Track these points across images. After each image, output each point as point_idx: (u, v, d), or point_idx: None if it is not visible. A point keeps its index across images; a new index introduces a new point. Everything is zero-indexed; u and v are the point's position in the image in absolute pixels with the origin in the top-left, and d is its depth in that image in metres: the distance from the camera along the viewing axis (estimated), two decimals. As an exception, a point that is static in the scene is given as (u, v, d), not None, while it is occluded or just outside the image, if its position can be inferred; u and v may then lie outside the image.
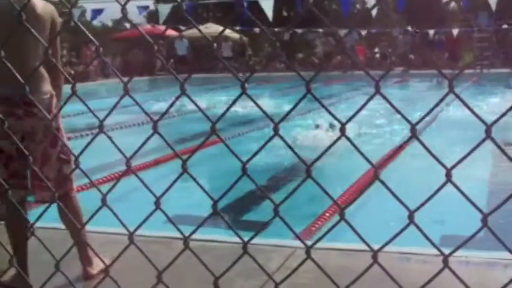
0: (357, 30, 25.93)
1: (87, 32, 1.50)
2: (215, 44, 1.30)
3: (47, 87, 3.73)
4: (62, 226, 4.73)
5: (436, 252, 4.24)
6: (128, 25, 28.47)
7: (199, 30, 1.38)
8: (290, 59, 31.71)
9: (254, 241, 1.36)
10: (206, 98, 16.09)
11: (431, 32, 26.69)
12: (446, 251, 3.96)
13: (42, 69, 3.71)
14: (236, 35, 31.27)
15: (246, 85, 1.17)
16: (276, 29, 25.55)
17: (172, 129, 11.88)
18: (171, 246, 4.39)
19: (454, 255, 1.20)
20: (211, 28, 28.69)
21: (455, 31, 27.44)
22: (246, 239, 1.40)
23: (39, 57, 3.65)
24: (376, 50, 30.66)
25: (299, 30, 28.91)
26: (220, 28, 29.90)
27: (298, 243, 4.68)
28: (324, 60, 29.12)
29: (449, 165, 1.09)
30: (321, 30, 29.45)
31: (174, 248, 4.31)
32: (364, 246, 3.98)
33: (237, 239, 4.33)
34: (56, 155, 3.79)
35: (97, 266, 4.01)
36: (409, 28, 27.23)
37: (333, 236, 1.32)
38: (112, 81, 26.25)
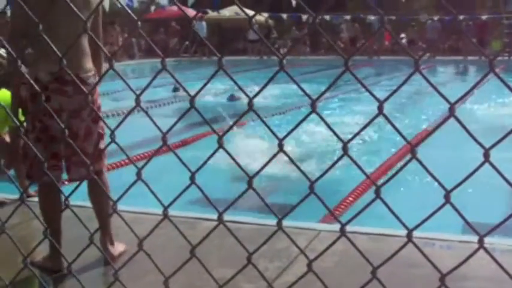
0: (385, 15, 25.63)
1: (129, 11, 1.50)
2: (251, 28, 1.29)
3: (91, 64, 3.77)
4: (85, 204, 4.79)
5: (460, 238, 4.22)
6: (153, 7, 28.45)
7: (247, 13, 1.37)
8: (315, 43, 31.52)
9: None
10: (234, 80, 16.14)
11: (459, 17, 26.34)
12: (471, 238, 3.92)
13: (87, 48, 3.75)
14: (262, 18, 31.16)
15: (284, 61, 1.17)
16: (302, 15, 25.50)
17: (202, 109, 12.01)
18: (195, 227, 4.43)
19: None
20: (239, 11, 28.60)
21: (483, 17, 27.09)
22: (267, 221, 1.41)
23: (86, 36, 3.68)
24: (403, 35, 30.31)
25: (326, 16, 28.74)
26: (248, 11, 29.89)
27: (322, 225, 4.75)
28: (349, 45, 28.89)
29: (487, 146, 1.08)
30: (347, 16, 29.29)
31: (198, 229, 4.38)
32: (390, 231, 3.98)
33: (260, 221, 4.35)
34: (97, 131, 3.83)
35: (118, 247, 4.01)
36: (437, 14, 26.97)
37: (358, 220, 1.32)
38: (137, 62, 26.36)
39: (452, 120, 1.10)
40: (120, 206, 1.59)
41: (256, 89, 1.23)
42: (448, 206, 1.13)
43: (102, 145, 3.88)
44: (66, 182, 4.19)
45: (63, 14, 3.38)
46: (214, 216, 1.39)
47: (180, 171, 1.50)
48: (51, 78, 3.53)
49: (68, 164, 3.78)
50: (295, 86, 1.28)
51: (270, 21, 32.50)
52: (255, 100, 1.25)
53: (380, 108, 1.07)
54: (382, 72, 22.00)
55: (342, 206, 5.93)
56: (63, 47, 1.65)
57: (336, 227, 5.15)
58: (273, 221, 1.34)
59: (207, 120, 1.34)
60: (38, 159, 3.56)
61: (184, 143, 8.79)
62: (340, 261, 3.70)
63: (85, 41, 3.67)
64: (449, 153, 8.01)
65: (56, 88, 3.54)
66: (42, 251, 3.78)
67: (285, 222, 1.33)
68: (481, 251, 1.14)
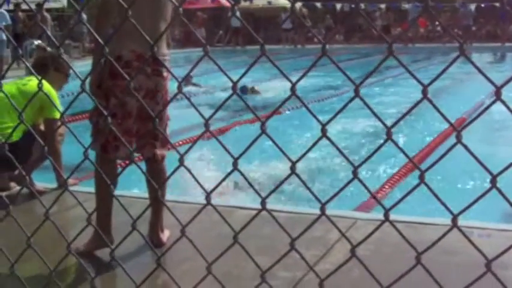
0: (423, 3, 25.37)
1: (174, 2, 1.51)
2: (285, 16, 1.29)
3: (166, 50, 3.94)
4: (125, 193, 4.85)
5: (499, 226, 4.16)
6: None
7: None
8: (349, 31, 31.32)
9: (313, 211, 1.36)
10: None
11: (495, 3, 25.92)
12: (511, 227, 3.87)
13: (165, 34, 3.86)
14: (296, 6, 31.04)
15: (327, 46, 1.17)
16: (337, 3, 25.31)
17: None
18: (231, 215, 4.44)
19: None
20: (272, 1, 28.63)
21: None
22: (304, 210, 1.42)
23: (166, 20, 3.80)
24: (437, 22, 29.94)
25: (362, 5, 28.53)
26: (281, 0, 29.82)
27: (359, 214, 4.74)
28: (383, 33, 28.63)
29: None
30: (382, 5, 29.04)
31: (234, 218, 4.40)
32: (427, 220, 3.95)
33: (297, 209, 4.34)
34: (166, 115, 3.93)
35: (166, 233, 4.08)
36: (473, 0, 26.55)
37: (395, 209, 1.31)
38: (171, 52, 26.46)
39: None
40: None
41: (293, 78, 1.23)
42: (490, 193, 1.12)
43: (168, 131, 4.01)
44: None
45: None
46: (251, 204, 1.40)
47: (218, 158, 1.51)
48: (134, 57, 3.66)
49: (143, 142, 3.85)
50: (329, 75, 1.28)
51: (304, 10, 32.39)
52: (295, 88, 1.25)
53: (424, 92, 1.07)
54: (417, 59, 21.75)
55: (379, 194, 5.92)
56: (147, 29, 1.68)
57: (373, 215, 5.14)
58: (308, 210, 1.34)
59: (249, 106, 1.34)
60: (113, 134, 3.63)
61: (221, 131, 8.84)
62: (376, 249, 3.68)
63: (164, 27, 3.76)
64: (491, 138, 7.92)
65: (137, 67, 3.63)
66: (84, 239, 3.81)
67: (319, 211, 1.33)
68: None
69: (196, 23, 31.45)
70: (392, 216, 3.91)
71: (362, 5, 28.62)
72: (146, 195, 4.19)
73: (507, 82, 1.07)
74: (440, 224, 4.05)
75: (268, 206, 1.41)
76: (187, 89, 13.05)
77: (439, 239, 1.17)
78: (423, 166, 1.20)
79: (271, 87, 13.16)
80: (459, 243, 1.20)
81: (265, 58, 1.27)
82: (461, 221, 3.81)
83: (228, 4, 28.69)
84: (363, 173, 6.66)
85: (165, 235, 4.05)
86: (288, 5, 30.29)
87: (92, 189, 3.92)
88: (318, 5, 29.12)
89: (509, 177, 1.37)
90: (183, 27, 30.92)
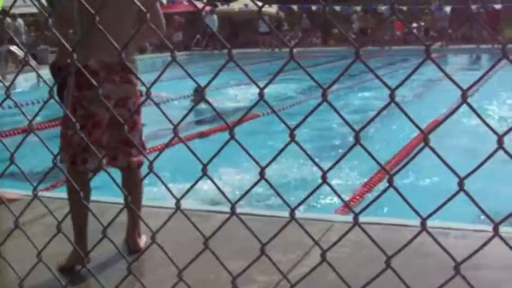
0: (396, 4, 25.55)
1: (140, 5, 1.49)
2: (262, 20, 1.29)
3: (135, 53, 3.91)
4: (100, 198, 4.80)
5: (474, 227, 4.19)
6: (164, 1, 28.43)
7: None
8: (326, 34, 31.44)
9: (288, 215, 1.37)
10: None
11: (471, 6, 26.15)
12: (486, 227, 3.91)
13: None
14: (273, 10, 31.10)
15: (294, 50, 1.16)
16: (313, 7, 25.40)
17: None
18: (208, 220, 4.42)
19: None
20: (249, 4, 28.62)
21: (497, 6, 26.84)
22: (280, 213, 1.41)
23: (133, 24, 3.71)
24: (414, 25, 30.17)
25: (337, 8, 28.66)
26: (258, 3, 29.86)
27: (336, 217, 4.75)
28: (360, 36, 28.78)
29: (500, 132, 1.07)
30: (358, 8, 29.13)
31: (211, 222, 4.38)
32: (403, 221, 3.97)
33: (272, 213, 4.35)
34: (140, 122, 3.88)
35: (144, 238, 4.05)
36: (449, 3, 26.78)
37: (371, 211, 1.31)
38: (148, 57, 26.41)
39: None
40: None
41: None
42: (462, 195, 1.12)
43: (143, 137, 3.96)
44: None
45: (113, 5, 3.44)
46: (227, 208, 1.39)
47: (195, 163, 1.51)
48: (101, 66, 3.60)
49: (115, 152, 3.81)
50: (306, 79, 1.28)
51: (281, 13, 32.46)
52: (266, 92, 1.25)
53: (392, 96, 1.07)
54: (393, 62, 21.90)
55: (357, 197, 5.93)
56: (114, 37, 1.65)
57: (349, 218, 5.15)
58: (285, 213, 1.34)
59: (218, 113, 1.33)
60: (81, 147, 3.60)
61: (199, 136, 8.82)
62: (353, 252, 3.69)
63: (131, 33, 3.59)
64: (463, 141, 7.98)
65: (105, 76, 3.59)
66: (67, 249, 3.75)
67: (298, 214, 1.33)
68: (496, 240, 1.13)
69: (174, 27, 31.38)
70: (370, 218, 3.91)
71: (338, 8, 28.76)
72: (123, 200, 4.16)
73: (473, 85, 1.07)
74: (416, 225, 4.06)
75: (246, 210, 1.40)
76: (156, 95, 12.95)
77: (409, 242, 1.17)
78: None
79: (252, 91, 13.17)
80: (435, 245, 1.20)
81: (246, 61, 1.26)
82: (437, 222, 3.82)
83: (207, 7, 28.63)
84: (342, 175, 6.69)
85: (143, 240, 4.03)
86: (266, 8, 30.37)
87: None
88: (295, 7, 29.15)
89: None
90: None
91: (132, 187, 3.82)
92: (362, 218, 1.24)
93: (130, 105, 3.74)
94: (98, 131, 3.69)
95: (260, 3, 1.54)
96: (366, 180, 6.57)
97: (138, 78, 1.79)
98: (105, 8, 1.82)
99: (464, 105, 1.08)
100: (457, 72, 18.19)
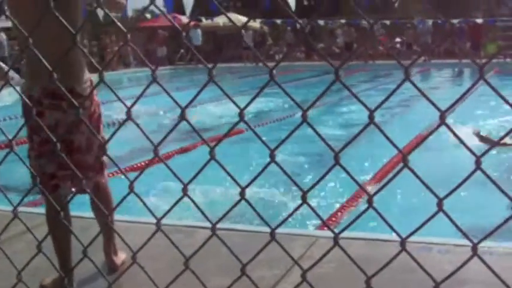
0: (380, 19, 25.81)
1: (118, 23, 1.49)
2: (243, 33, 1.29)
3: (87, 74, 3.61)
4: (81, 214, 4.77)
5: (457, 242, 4.19)
6: (148, 15, 28.45)
7: (230, 19, 1.37)
8: (310, 49, 31.59)
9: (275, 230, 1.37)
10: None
11: (453, 21, 26.43)
12: (469, 242, 3.92)
13: (80, 54, 3.58)
14: (257, 24, 31.23)
15: (274, 71, 1.17)
16: (298, 20, 25.46)
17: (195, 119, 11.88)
18: (192, 235, 4.41)
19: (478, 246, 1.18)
20: (232, 18, 28.71)
21: (478, 20, 27.11)
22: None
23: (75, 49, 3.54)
24: (397, 39, 30.39)
25: (321, 21, 28.83)
26: (241, 18, 30.00)
27: (320, 232, 4.75)
28: (345, 50, 28.94)
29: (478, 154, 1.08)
30: (343, 21, 29.28)
31: (196, 238, 4.37)
32: (386, 236, 3.97)
33: (253, 228, 4.33)
34: (97, 143, 3.67)
35: (121, 256, 3.99)
36: (432, 17, 27.00)
37: (355, 225, 1.32)
38: (133, 70, 26.37)
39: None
40: (116, 216, 1.58)
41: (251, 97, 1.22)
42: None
43: (103, 156, 3.79)
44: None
45: (50, 26, 3.17)
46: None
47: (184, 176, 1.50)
48: (44, 94, 3.44)
49: (75, 176, 3.66)
50: (291, 92, 1.28)
51: (265, 28, 32.58)
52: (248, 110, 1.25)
53: (371, 117, 1.07)
54: (378, 76, 22.03)
55: (339, 213, 5.93)
56: (54, 60, 1.62)
57: (339, 231, 5.14)
58: (268, 228, 1.34)
59: (198, 133, 1.33)
60: (46, 175, 3.53)
61: (181, 151, 8.78)
62: (338, 267, 3.68)
63: (77, 51, 3.46)
64: (443, 160, 8.01)
65: (50, 104, 3.45)
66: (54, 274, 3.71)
67: (282, 229, 1.33)
68: (480, 253, 1.13)
69: (158, 42, 31.37)
70: (353, 233, 3.89)
71: (321, 22, 28.93)
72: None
73: (450, 107, 1.08)
74: (399, 240, 4.07)
75: (224, 225, 1.39)
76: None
77: (388, 263, 1.17)
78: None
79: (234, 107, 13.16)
80: (419, 260, 1.20)
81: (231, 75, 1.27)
82: (419, 237, 3.81)
83: (188, 22, 28.70)
84: (327, 190, 6.69)
85: (120, 258, 3.97)
86: (250, 23, 30.43)
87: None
88: (278, 21, 29.28)
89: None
90: (144, 46, 30.82)
91: (96, 208, 3.75)
92: (345, 233, 1.25)
93: (83, 128, 3.55)
94: (57, 156, 3.55)
95: (245, 18, 1.54)
96: (349, 195, 6.58)
97: (117, 94, 1.76)
98: (38, 29, 1.72)
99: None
100: (439, 86, 18.35)
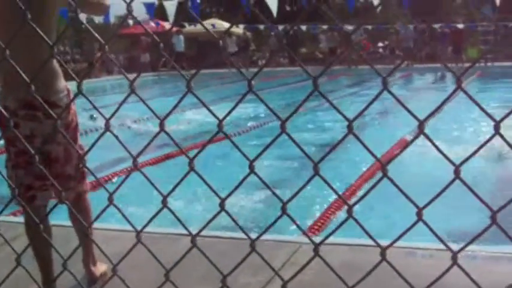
0: (363, 25, 25.94)
1: (95, 34, 1.48)
2: (221, 42, 1.29)
3: (63, 82, 3.54)
4: (63, 223, 4.72)
5: (440, 246, 4.20)
6: (131, 22, 28.40)
7: (205, 27, 1.37)
8: (294, 53, 31.65)
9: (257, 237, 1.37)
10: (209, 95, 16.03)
11: (435, 26, 26.64)
12: (453, 246, 3.95)
13: (57, 66, 3.54)
14: (240, 30, 31.27)
15: (253, 82, 1.16)
16: (280, 26, 25.56)
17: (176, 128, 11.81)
18: (177, 242, 4.38)
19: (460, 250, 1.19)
20: (216, 24, 28.74)
21: (459, 25, 27.34)
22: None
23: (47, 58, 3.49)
24: (380, 44, 30.57)
25: (303, 27, 28.90)
26: (224, 24, 30.02)
27: (303, 239, 4.73)
28: (328, 55, 29.04)
29: (457, 162, 1.08)
30: (325, 26, 29.38)
31: (180, 245, 4.34)
32: (370, 242, 3.98)
33: (238, 235, 4.31)
34: (76, 153, 3.61)
35: (100, 267, 3.95)
36: (413, 22, 27.19)
37: (340, 230, 1.32)
38: (115, 77, 26.27)
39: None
40: (97, 224, 1.57)
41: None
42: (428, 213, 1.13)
43: (82, 166, 3.75)
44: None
45: (25, 36, 2.85)
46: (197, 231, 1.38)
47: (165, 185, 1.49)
48: (19, 105, 3.40)
49: (55, 187, 3.65)
50: (274, 99, 1.27)
51: (248, 33, 32.61)
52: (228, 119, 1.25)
53: (349, 128, 1.07)
54: (363, 80, 22.13)
55: (322, 220, 5.92)
56: (28, 70, 1.60)
57: (317, 239, 5.17)
58: (253, 235, 1.34)
59: (177, 144, 1.33)
60: (24, 186, 3.49)
61: (165, 158, 8.75)
62: (321, 273, 3.67)
63: (52, 60, 3.44)
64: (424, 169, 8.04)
65: (25, 114, 3.41)
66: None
67: (266, 236, 1.33)
68: (461, 260, 1.13)
69: (141, 48, 31.30)
70: (337, 239, 3.88)
71: (304, 28, 28.99)
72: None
73: (429, 116, 1.09)
74: (384, 246, 4.08)
75: (209, 232, 1.38)
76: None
77: (367, 274, 1.17)
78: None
79: (218, 114, 13.12)
80: (404, 264, 1.21)
81: (215, 81, 1.26)
82: (403, 242, 3.84)
83: (164, 28, 28.69)
84: (307, 198, 6.68)
85: (99, 269, 3.93)
86: (233, 29, 30.47)
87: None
88: (261, 27, 29.32)
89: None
90: (127, 52, 30.77)
91: (75, 217, 3.65)
92: (330, 239, 1.24)
93: (60, 138, 3.50)
94: (35, 166, 3.50)
95: (227, 24, 1.54)
96: (335, 197, 6.57)
97: (95, 105, 1.75)
98: (15, 41, 1.68)
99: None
100: (421, 91, 18.44)
